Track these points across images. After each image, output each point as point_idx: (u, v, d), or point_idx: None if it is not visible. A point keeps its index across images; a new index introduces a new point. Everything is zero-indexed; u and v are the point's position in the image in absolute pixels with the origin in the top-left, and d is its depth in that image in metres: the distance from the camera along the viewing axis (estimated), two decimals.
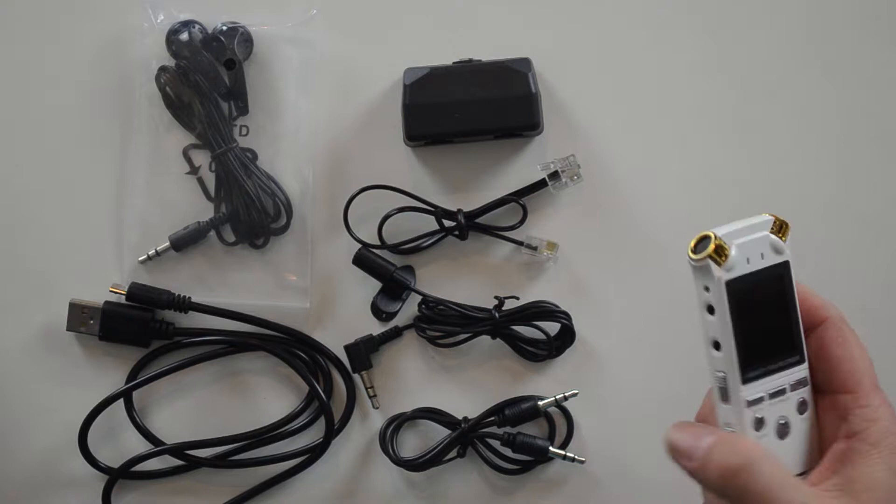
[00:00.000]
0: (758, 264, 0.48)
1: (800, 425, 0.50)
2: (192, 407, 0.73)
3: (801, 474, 0.50)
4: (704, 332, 0.48)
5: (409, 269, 0.73)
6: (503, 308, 0.71)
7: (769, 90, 0.73)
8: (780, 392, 0.49)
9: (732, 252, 0.47)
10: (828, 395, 0.50)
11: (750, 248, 0.48)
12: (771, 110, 0.73)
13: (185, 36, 0.73)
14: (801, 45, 0.74)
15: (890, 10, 0.74)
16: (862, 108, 0.73)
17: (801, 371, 0.50)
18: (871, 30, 0.74)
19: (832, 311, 0.51)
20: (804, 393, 0.50)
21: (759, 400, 0.49)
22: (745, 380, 0.48)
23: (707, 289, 0.48)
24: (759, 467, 0.47)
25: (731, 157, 0.73)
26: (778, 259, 0.49)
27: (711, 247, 0.47)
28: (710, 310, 0.48)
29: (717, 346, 0.48)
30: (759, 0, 0.74)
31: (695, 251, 0.47)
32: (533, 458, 0.71)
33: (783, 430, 0.50)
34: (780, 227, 0.49)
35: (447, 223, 0.72)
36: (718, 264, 0.47)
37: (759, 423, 0.49)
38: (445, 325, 0.71)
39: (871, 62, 0.73)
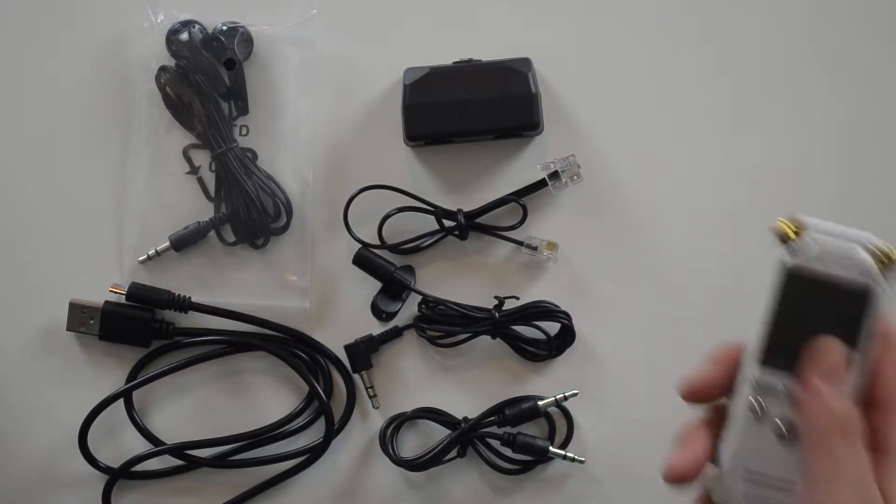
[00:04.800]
0: (833, 270, 0.47)
1: None
2: (192, 407, 0.73)
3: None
4: None
5: (409, 269, 0.73)
6: (503, 308, 0.71)
7: (769, 90, 0.73)
8: None
9: (805, 239, 0.47)
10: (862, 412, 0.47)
11: (829, 250, 0.47)
12: (771, 110, 0.73)
13: (185, 36, 0.73)
14: (801, 45, 0.74)
15: (890, 10, 0.74)
16: (862, 108, 0.73)
17: None
18: (871, 30, 0.74)
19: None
20: None
21: (770, 389, 0.48)
22: (763, 361, 0.47)
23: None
24: None
25: (731, 156, 0.73)
26: (858, 279, 0.47)
27: (788, 224, 0.47)
28: None
29: None
30: (760, 0, 0.74)
31: (782, 224, 0.47)
32: (533, 458, 0.71)
33: (784, 433, 0.48)
34: (883, 256, 0.47)
35: (447, 223, 0.72)
36: (784, 242, 0.47)
37: (757, 410, 0.48)
38: (445, 325, 0.71)
39: (871, 62, 0.73)
